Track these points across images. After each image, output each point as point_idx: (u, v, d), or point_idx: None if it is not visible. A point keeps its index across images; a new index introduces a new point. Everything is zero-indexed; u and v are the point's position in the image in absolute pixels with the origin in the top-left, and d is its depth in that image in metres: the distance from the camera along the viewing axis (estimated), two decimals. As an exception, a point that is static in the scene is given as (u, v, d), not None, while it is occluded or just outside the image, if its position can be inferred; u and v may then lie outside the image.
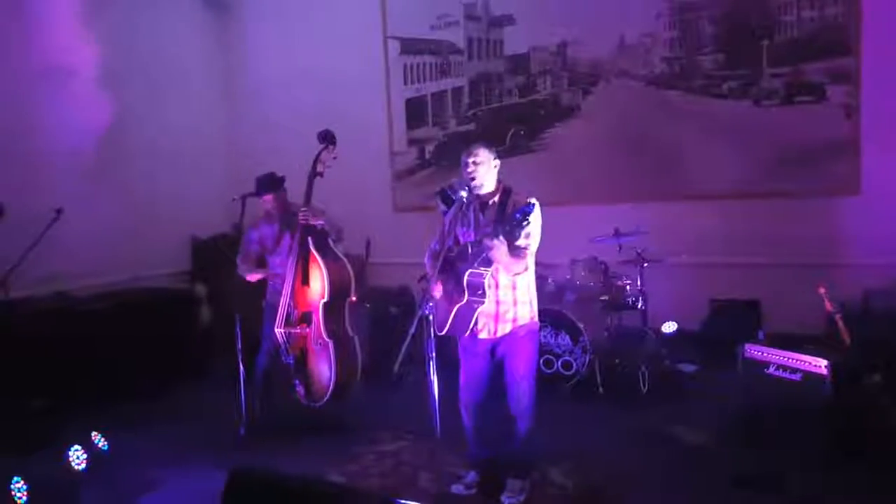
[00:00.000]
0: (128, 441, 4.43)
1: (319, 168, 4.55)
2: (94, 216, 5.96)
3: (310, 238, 4.53)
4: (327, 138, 4.58)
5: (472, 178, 3.49)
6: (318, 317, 4.52)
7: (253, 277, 4.71)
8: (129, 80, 6.52)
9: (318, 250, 4.51)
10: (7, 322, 4.79)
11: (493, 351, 3.62)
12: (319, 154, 4.56)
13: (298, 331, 4.58)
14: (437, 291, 3.54)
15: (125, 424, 4.65)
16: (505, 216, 3.37)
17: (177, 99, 7.12)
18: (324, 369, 4.54)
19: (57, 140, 5.88)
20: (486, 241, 3.26)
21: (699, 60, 6.17)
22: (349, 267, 4.66)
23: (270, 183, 4.76)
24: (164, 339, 5.79)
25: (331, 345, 4.50)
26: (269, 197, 4.75)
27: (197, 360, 6.03)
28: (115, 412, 4.81)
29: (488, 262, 3.35)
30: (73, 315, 5.33)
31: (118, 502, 3.87)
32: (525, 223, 3.19)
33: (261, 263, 4.82)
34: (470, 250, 3.42)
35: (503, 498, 3.61)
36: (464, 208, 3.57)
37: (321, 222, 4.53)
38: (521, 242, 3.34)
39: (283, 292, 4.58)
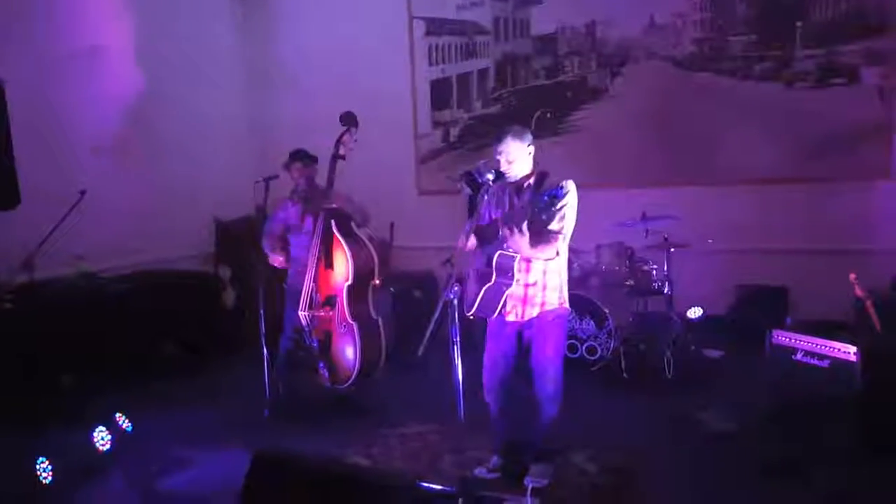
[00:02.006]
0: (151, 422, 4.47)
1: (341, 150, 4.53)
2: (119, 197, 6.00)
3: (333, 221, 4.51)
4: (349, 120, 4.55)
5: (507, 174, 3.43)
6: (343, 300, 4.51)
7: (275, 260, 4.72)
8: (155, 62, 6.51)
9: (341, 233, 4.50)
10: (32, 302, 4.84)
11: (520, 334, 3.59)
12: (341, 136, 4.53)
13: (322, 314, 4.57)
14: (469, 277, 3.51)
15: (149, 405, 4.69)
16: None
17: (202, 80, 7.11)
18: (348, 352, 4.54)
19: (82, 121, 5.90)
20: (504, 231, 3.22)
21: (730, 41, 6.04)
22: (373, 249, 4.65)
23: (302, 154, 4.78)
24: (187, 321, 5.83)
25: (355, 328, 4.50)
26: (298, 165, 4.75)
27: (221, 342, 6.07)
28: (139, 393, 4.86)
29: (519, 246, 3.31)
30: (98, 296, 5.37)
31: (141, 482, 3.90)
32: (556, 205, 3.13)
33: (284, 243, 4.83)
34: (500, 232, 3.38)
35: (526, 481, 3.59)
36: (495, 191, 3.52)
37: (341, 206, 4.52)
38: (554, 226, 3.27)
39: (306, 275, 4.58)
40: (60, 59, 5.74)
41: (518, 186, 3.52)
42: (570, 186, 3.34)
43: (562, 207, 3.27)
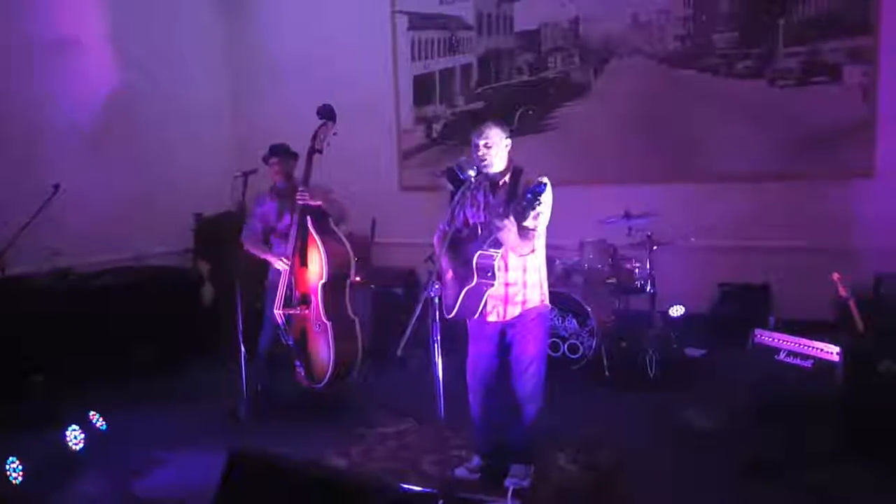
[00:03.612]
0: (127, 420, 4.40)
1: (318, 145, 4.45)
2: (96, 192, 5.91)
3: (309, 218, 4.44)
4: (327, 114, 4.47)
5: (483, 161, 3.38)
6: (317, 298, 4.45)
7: (277, 263, 4.63)
8: (134, 54, 6.42)
9: (316, 230, 4.43)
10: (4, 299, 4.74)
11: (502, 334, 3.55)
12: (318, 130, 4.46)
13: (298, 312, 4.51)
14: (448, 279, 3.47)
15: (125, 403, 4.62)
16: (516, 196, 3.27)
17: (182, 74, 7.02)
18: (323, 351, 4.48)
19: (58, 114, 5.80)
20: (496, 222, 3.17)
21: (713, 39, 6.04)
22: (349, 247, 4.58)
23: (281, 149, 4.70)
24: (165, 318, 5.72)
25: (329, 326, 4.44)
26: (275, 160, 4.67)
27: (199, 340, 5.97)
28: (116, 391, 4.78)
29: (498, 244, 3.27)
30: (74, 293, 5.28)
31: (116, 482, 3.83)
32: (536, 203, 3.10)
33: (266, 240, 4.75)
34: (480, 231, 3.34)
35: (507, 482, 3.56)
36: (472, 188, 3.48)
37: (319, 204, 4.44)
38: (528, 224, 3.24)
39: (283, 273, 4.51)
40: (36, 51, 5.63)
41: (493, 183, 3.48)
42: (547, 185, 3.31)
43: (538, 205, 3.24)
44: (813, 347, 4.02)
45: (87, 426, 4.12)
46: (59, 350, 4.88)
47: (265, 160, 4.73)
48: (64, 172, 5.07)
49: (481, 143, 3.38)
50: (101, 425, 4.22)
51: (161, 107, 6.67)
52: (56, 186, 4.69)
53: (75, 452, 4.00)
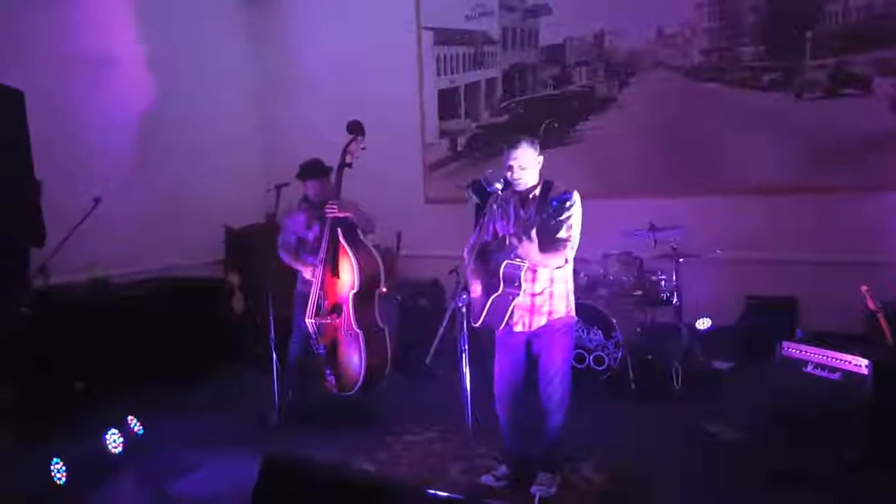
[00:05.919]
0: (163, 425, 4.51)
1: (348, 159, 4.55)
2: (132, 205, 6.07)
3: (339, 229, 4.54)
4: (356, 129, 4.58)
5: (517, 182, 3.43)
6: (349, 308, 4.53)
7: (306, 272, 4.71)
8: (167, 70, 6.59)
9: (347, 241, 4.52)
10: (48, 308, 4.89)
11: (528, 344, 3.60)
12: (348, 145, 4.56)
13: (329, 321, 4.60)
14: (476, 289, 3.53)
15: (160, 410, 4.73)
16: (544, 210, 3.32)
17: (213, 89, 7.17)
18: (354, 360, 4.56)
19: (96, 129, 5.98)
20: (514, 241, 3.23)
21: (739, 51, 6.03)
22: (378, 257, 4.67)
23: (317, 169, 4.76)
24: (199, 327, 5.85)
25: (361, 335, 4.52)
26: (313, 182, 4.76)
27: (231, 348, 6.10)
28: (151, 398, 4.89)
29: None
30: (111, 302, 5.42)
31: (153, 484, 3.93)
32: (564, 212, 3.15)
33: (298, 250, 4.84)
34: (508, 242, 3.39)
35: (533, 490, 3.59)
36: (500, 202, 3.53)
37: (348, 214, 4.53)
38: (562, 234, 3.30)
39: (314, 283, 4.60)
40: (73, 68, 5.81)
41: (523, 197, 3.53)
42: (576, 196, 3.37)
43: (568, 217, 3.29)
44: (841, 360, 3.99)
45: (125, 430, 4.26)
46: (99, 356, 5.04)
47: (301, 179, 4.78)
48: (102, 186, 5.21)
49: (515, 165, 3.42)
50: (139, 429, 4.35)
51: (193, 122, 6.81)
52: (97, 200, 4.82)
53: (114, 455, 4.14)
